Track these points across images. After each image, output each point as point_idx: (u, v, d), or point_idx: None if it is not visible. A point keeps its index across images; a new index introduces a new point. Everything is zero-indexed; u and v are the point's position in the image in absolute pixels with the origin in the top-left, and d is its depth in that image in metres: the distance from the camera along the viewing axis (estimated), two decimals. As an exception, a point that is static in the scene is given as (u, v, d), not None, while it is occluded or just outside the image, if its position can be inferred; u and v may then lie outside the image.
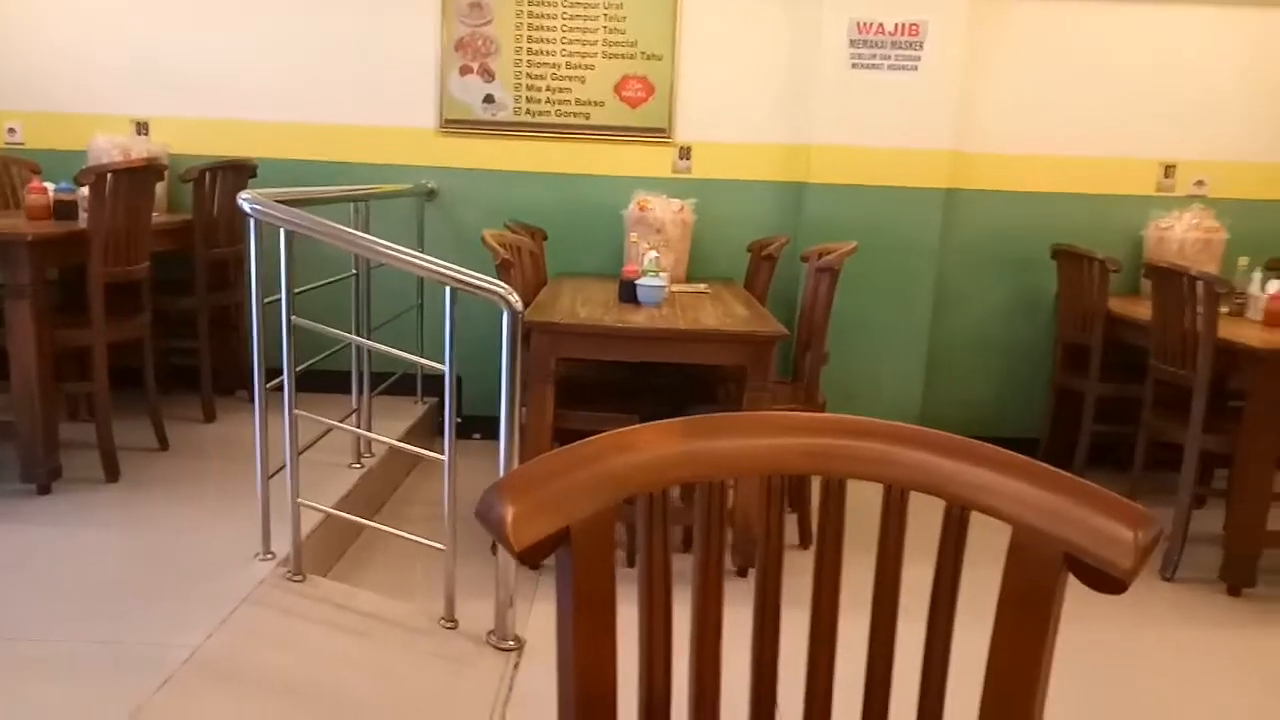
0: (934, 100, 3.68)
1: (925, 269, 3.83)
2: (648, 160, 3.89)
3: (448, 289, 2.09)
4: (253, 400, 2.28)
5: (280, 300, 2.21)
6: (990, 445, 0.80)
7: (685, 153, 3.89)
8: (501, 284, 2.13)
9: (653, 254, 3.15)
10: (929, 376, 3.96)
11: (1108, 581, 0.72)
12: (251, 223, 2.22)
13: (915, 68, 3.66)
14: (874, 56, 3.66)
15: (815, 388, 3.01)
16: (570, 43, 3.77)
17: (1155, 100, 3.87)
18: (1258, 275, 3.30)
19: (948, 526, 0.79)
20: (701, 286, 3.50)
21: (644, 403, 3.05)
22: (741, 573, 2.73)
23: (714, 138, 3.88)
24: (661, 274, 3.07)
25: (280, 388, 2.22)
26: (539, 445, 2.63)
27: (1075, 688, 2.32)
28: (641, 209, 3.66)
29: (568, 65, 3.78)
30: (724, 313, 2.93)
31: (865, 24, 3.64)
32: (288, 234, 2.17)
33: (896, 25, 3.63)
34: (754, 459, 0.81)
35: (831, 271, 2.90)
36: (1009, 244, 3.96)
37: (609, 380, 3.33)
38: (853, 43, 3.66)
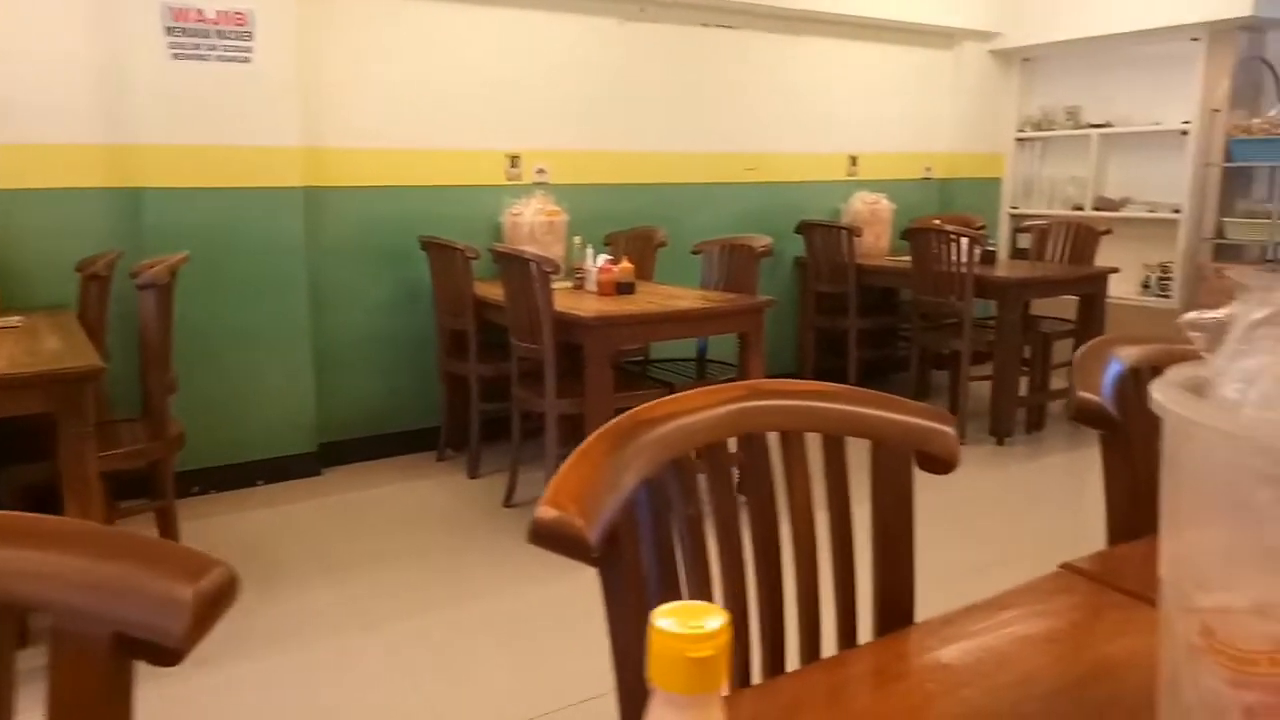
0: (274, 94, 3.49)
1: (295, 270, 3.65)
2: (-87, 169, 3.09)
3: None
4: None
5: None
6: (32, 516, 0.65)
7: (-31, 158, 3.17)
8: None
9: (-83, 287, 2.49)
10: (321, 380, 3.81)
11: (164, 654, 0.60)
12: None
13: (248, 59, 3.43)
14: (198, 47, 3.34)
15: (164, 419, 2.66)
16: None
17: (498, 95, 4.16)
18: (591, 251, 3.73)
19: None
20: (14, 320, 2.89)
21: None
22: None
23: (3, 139, 3.21)
24: (-68, 311, 2.44)
25: None
26: None
27: (402, 670, 2.37)
28: (-91, 231, 2.89)
29: None
30: (26, 350, 2.42)
31: (181, 10, 3.29)
32: None
33: (218, 13, 3.35)
34: None
35: (157, 287, 2.57)
36: (382, 238, 3.96)
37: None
38: (170, 30, 3.29)
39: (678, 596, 0.86)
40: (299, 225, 3.63)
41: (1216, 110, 4.88)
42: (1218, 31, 4.88)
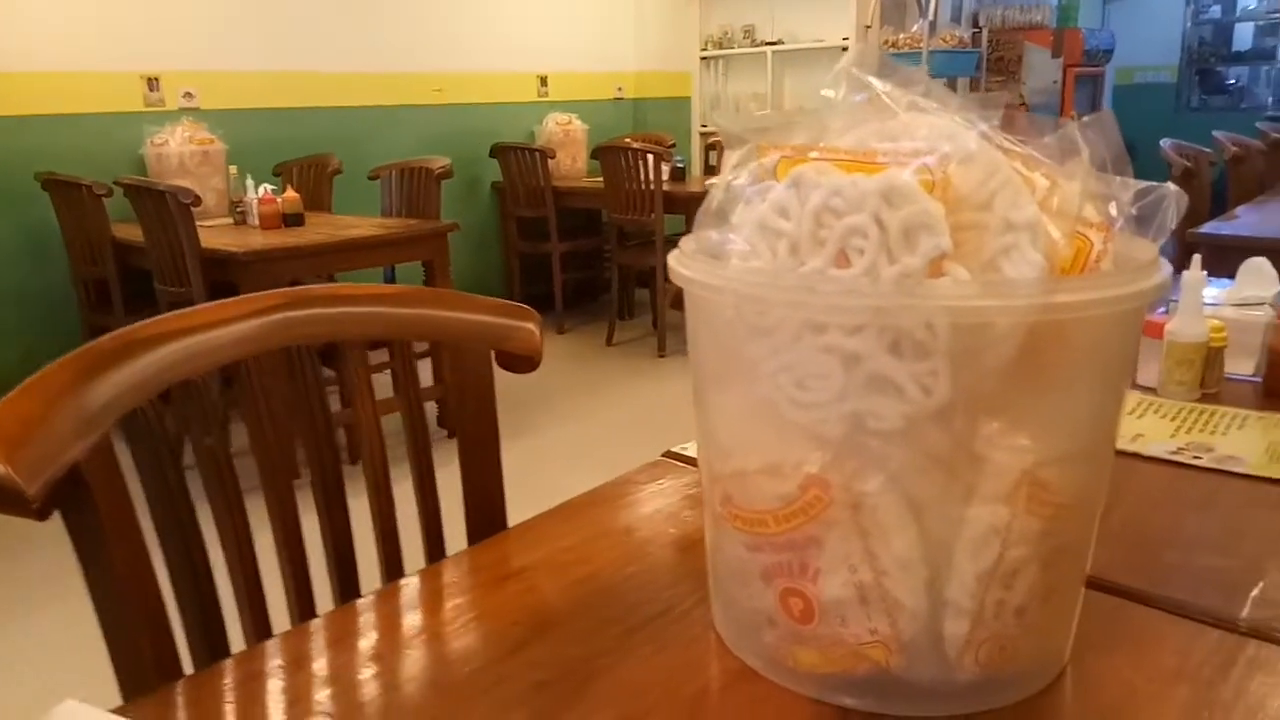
0: None
1: None
2: None
3: None
4: None
5: None
6: None
7: None
8: None
9: None
10: (-73, 353, 3.21)
11: None
12: None
13: None
14: None
15: None
16: None
17: (128, 8, 3.61)
18: (250, 182, 3.38)
19: None
20: None
21: None
22: None
23: None
24: None
25: None
26: None
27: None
28: None
29: None
30: None
31: None
32: None
33: None
34: None
35: None
36: (-9, 178, 3.36)
37: None
38: None
39: (193, 543, 0.73)
40: None
41: (869, 26, 5.27)
42: (866, -47, 5.24)
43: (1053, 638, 0.63)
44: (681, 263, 0.60)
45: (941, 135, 0.51)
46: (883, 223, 0.50)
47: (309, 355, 0.83)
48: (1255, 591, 0.73)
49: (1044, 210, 0.52)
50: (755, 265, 0.56)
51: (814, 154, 0.56)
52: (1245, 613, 0.69)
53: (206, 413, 0.75)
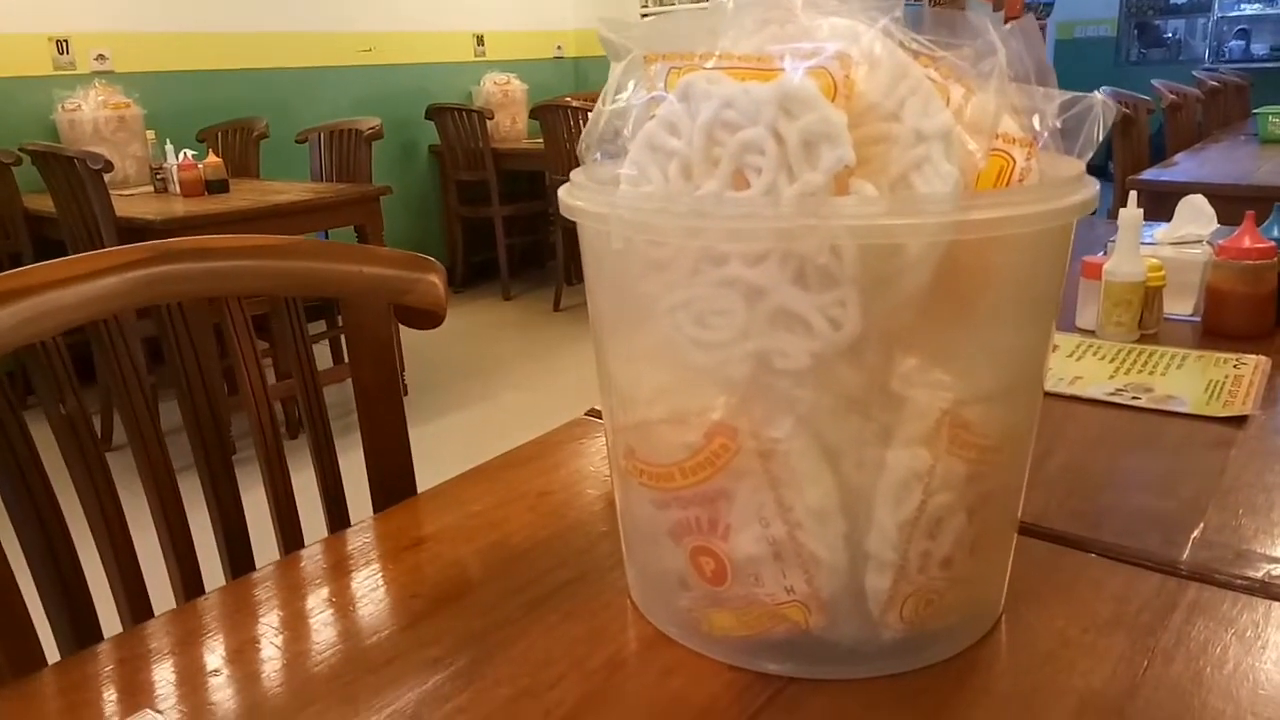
0: None
1: None
2: None
3: None
4: None
5: None
6: None
7: None
8: None
9: None
10: None
11: None
12: None
13: None
14: None
15: None
16: None
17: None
18: (170, 148, 3.22)
19: None
20: None
21: None
22: None
23: None
24: None
25: None
26: None
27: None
28: None
29: None
30: None
31: None
32: None
33: None
34: None
35: None
36: (-112, 150, 3.16)
37: None
38: None
39: (51, 521, 0.66)
40: None
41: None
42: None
43: (983, 589, 0.59)
44: (570, 193, 0.54)
45: (842, 37, 0.46)
46: (781, 135, 0.45)
47: (180, 315, 0.75)
48: (1196, 533, 0.69)
49: (959, 121, 0.47)
50: (645, 190, 0.50)
51: (709, 64, 0.50)
52: (1186, 555, 0.66)
53: (58, 378, 0.68)
